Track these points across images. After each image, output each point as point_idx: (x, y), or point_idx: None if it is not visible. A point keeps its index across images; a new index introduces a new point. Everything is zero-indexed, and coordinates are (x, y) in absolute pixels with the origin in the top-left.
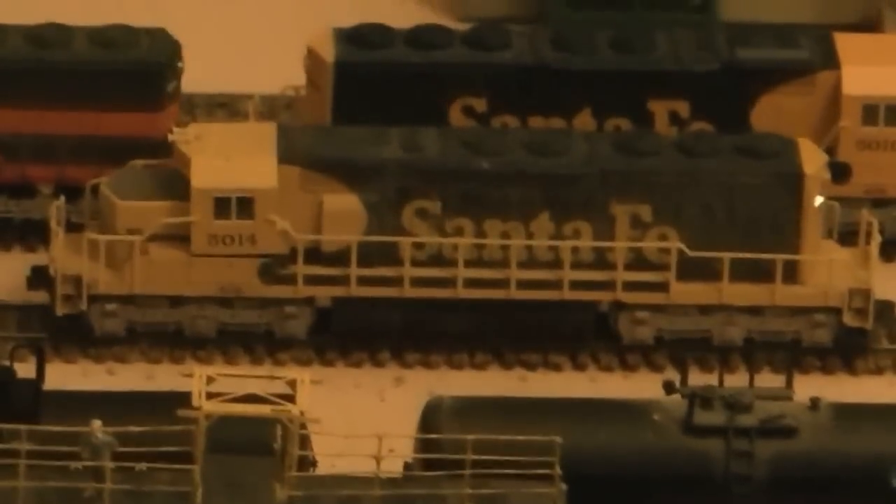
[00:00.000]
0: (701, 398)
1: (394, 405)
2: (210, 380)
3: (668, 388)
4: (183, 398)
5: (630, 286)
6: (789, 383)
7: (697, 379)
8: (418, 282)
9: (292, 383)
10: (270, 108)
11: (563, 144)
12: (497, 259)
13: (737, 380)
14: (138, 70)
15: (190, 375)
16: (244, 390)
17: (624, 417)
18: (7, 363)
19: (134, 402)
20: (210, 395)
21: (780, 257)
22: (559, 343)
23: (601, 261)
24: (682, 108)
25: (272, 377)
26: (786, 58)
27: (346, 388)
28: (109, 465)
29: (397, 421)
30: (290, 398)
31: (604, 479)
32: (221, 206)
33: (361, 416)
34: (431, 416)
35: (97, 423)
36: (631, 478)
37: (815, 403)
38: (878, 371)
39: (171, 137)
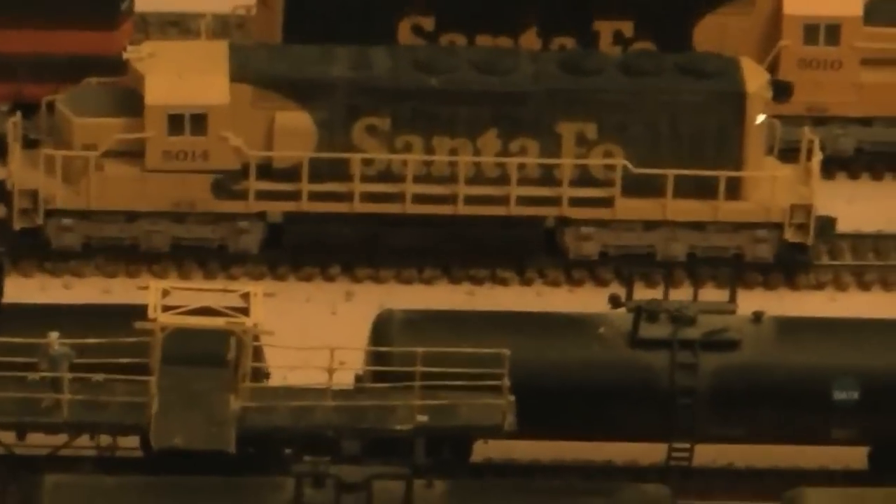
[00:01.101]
0: (646, 312)
1: (345, 319)
2: (165, 293)
3: (614, 302)
4: (139, 311)
5: (576, 202)
6: (732, 297)
7: (642, 294)
8: (368, 197)
9: (246, 296)
10: (222, 26)
11: (511, 63)
12: (445, 175)
13: (681, 294)
14: None
15: (146, 289)
16: (199, 303)
17: (571, 330)
18: None
19: (91, 314)
20: (165, 308)
21: (723, 174)
22: (506, 258)
23: (547, 177)
24: (627, 27)
25: (226, 290)
26: None
27: (298, 302)
28: (67, 375)
29: (348, 334)
30: (244, 311)
31: (551, 390)
32: (175, 122)
33: (313, 329)
34: (382, 329)
35: (54, 335)
36: (578, 389)
37: (757, 317)
38: (819, 286)
39: (125, 55)
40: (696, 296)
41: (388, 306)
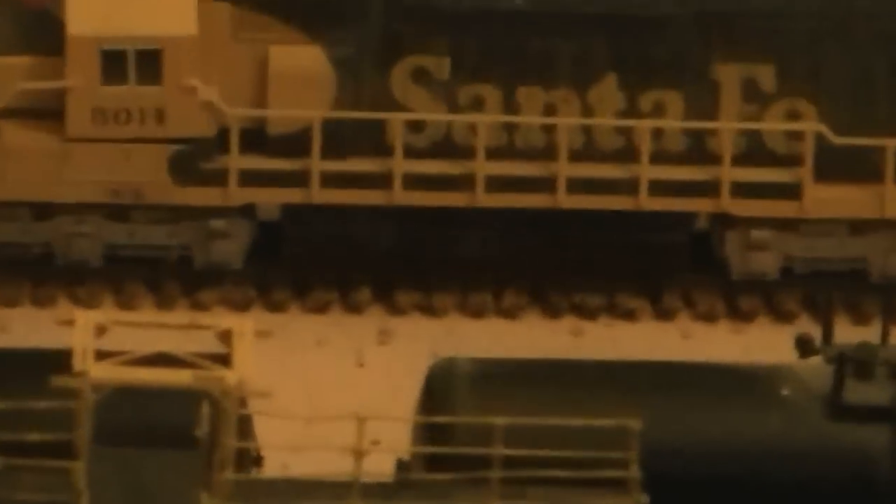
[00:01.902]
0: (855, 363)
1: (377, 371)
2: (101, 330)
3: (805, 347)
4: (58, 359)
5: (743, 191)
6: None
7: (848, 335)
8: (415, 181)
9: (226, 336)
10: None
11: None
12: (537, 147)
13: None
14: None
15: (69, 323)
16: (151, 347)
17: (737, 391)
18: None
19: None
20: (100, 355)
21: None
22: (633, 278)
23: (698, 151)
24: None
25: (196, 326)
26: None
27: (306, 345)
28: None
29: (383, 395)
30: (223, 359)
31: (706, 485)
32: (112, 63)
33: (328, 388)
34: (441, 389)
35: None
36: (748, 484)
37: None
38: None
39: None
40: None
41: (447, 352)
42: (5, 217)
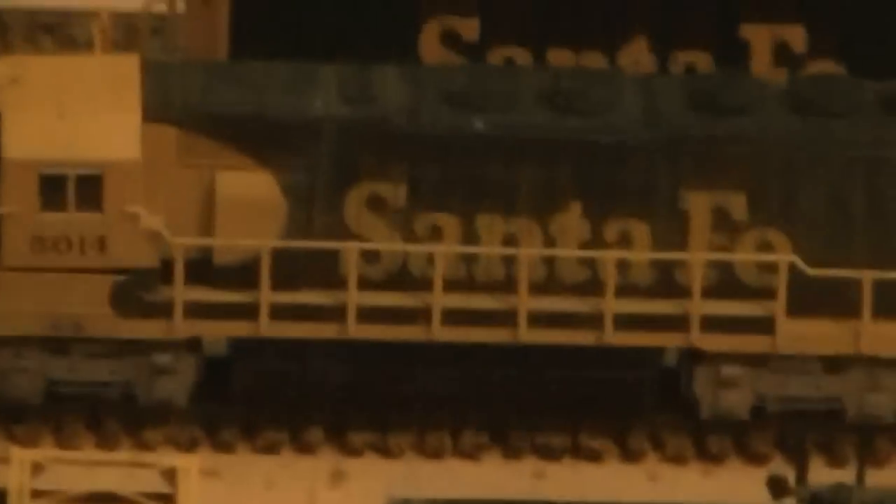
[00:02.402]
0: None
1: None
2: (37, 468)
3: (777, 487)
4: None
5: (714, 325)
6: None
7: (821, 475)
8: (370, 314)
9: (170, 475)
10: (126, 32)
11: (606, 95)
12: (497, 279)
13: (887, 476)
14: None
15: (5, 462)
16: (92, 487)
17: None
18: None
19: None
20: (36, 494)
21: None
22: (598, 417)
23: (666, 284)
24: (795, 36)
25: (140, 464)
26: None
27: (254, 488)
28: None
29: None
30: (168, 500)
31: None
32: (51, 189)
33: None
34: None
35: None
36: None
37: None
38: None
39: None
40: None
41: (403, 495)
42: None
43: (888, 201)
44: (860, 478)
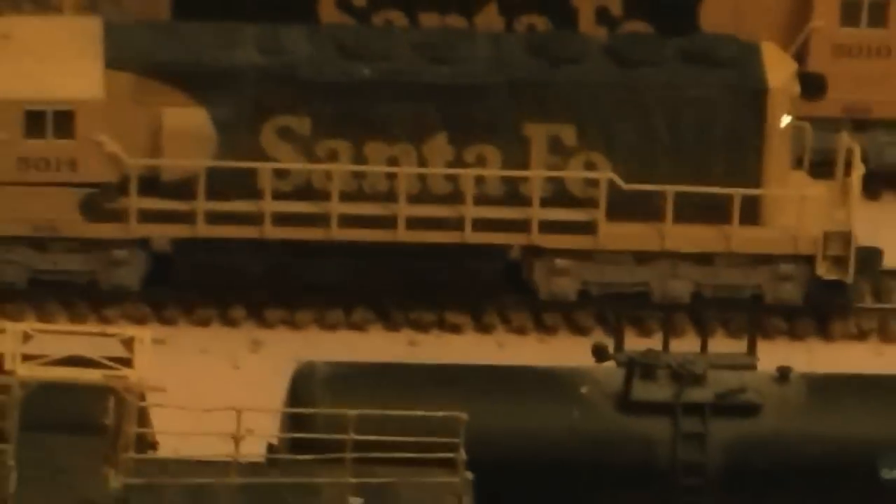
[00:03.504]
0: (641, 366)
1: (250, 374)
2: (26, 337)
3: (600, 353)
4: None
5: (548, 227)
6: (751, 349)
7: (635, 344)
8: (282, 219)
9: (128, 343)
10: None
11: (464, 48)
12: (381, 191)
13: (685, 345)
14: None
15: (1, 331)
16: (68, 351)
17: (544, 390)
18: None
19: None
20: (25, 357)
21: (738, 192)
22: (459, 298)
23: (512, 195)
24: (614, 3)
25: (104, 334)
26: None
27: (191, 353)
28: None
29: (254, 393)
30: (126, 362)
31: (519, 466)
32: (33, 121)
33: (210, 386)
34: (303, 387)
35: None
36: (553, 465)
37: (783, 374)
38: (861, 336)
39: None
40: (704, 347)
41: (307, 358)
42: None
43: (683, 130)
44: (665, 345)
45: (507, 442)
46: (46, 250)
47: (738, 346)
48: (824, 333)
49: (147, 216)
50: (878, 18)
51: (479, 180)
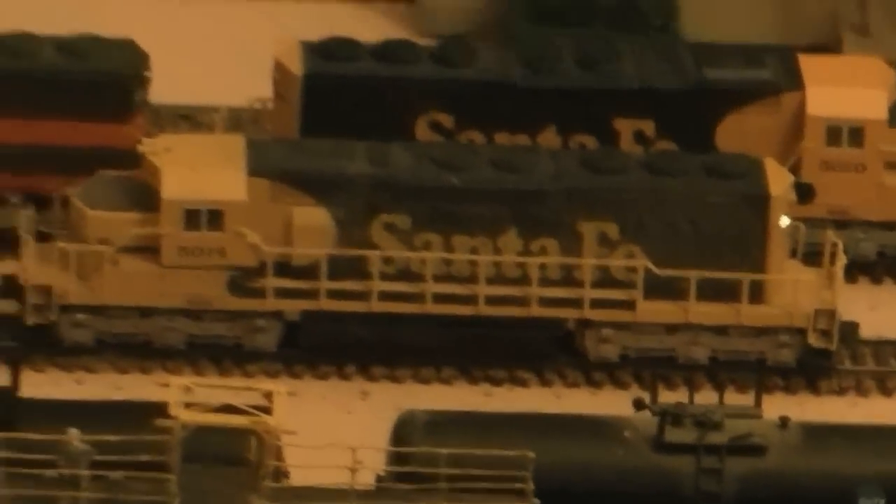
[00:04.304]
0: (671, 415)
1: (360, 419)
2: (186, 389)
3: (639, 405)
4: (157, 408)
5: (596, 304)
6: (758, 402)
7: (666, 397)
8: (386, 296)
9: (268, 395)
10: (236, 121)
11: (530, 161)
12: (465, 275)
13: (705, 398)
14: (107, 80)
15: (166, 385)
16: (218, 401)
17: (595, 433)
18: None
19: (109, 411)
20: (186, 405)
21: (746, 277)
22: (526, 359)
23: (568, 278)
24: (648, 126)
25: (248, 388)
26: (752, 78)
27: (314, 401)
28: (86, 473)
29: (363, 434)
30: (265, 410)
31: (575, 494)
32: (191, 217)
33: (328, 428)
34: (404, 430)
35: (74, 432)
36: (602, 494)
37: (784, 422)
38: (841, 392)
39: (140, 148)
40: (721, 400)
41: (405, 406)
42: (121, 316)
43: (704, 228)
44: (690, 399)
45: (565, 475)
46: (201, 319)
47: (746, 400)
48: (813, 389)
49: (280, 293)
50: (856, 140)
51: (542, 267)
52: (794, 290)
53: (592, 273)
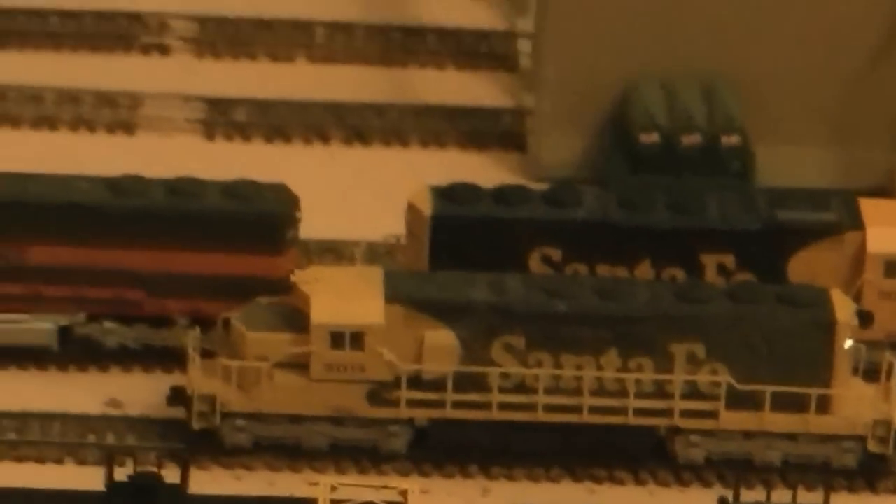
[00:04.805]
0: None
1: None
2: (332, 488)
3: (722, 502)
4: (307, 503)
5: (685, 414)
6: (826, 500)
7: (744, 496)
8: (504, 406)
9: (403, 493)
10: (372, 254)
11: (628, 291)
12: (572, 388)
13: (778, 496)
14: (263, 219)
15: (315, 484)
16: (361, 498)
17: None
18: (154, 469)
19: None
20: (333, 502)
21: (815, 391)
22: (623, 461)
23: (661, 391)
24: (729, 260)
25: (386, 486)
26: (819, 219)
27: (442, 497)
28: None
29: None
30: None
31: None
32: (336, 339)
33: None
34: None
35: None
36: None
37: None
38: None
39: (293, 278)
40: (794, 499)
41: (520, 501)
42: (275, 422)
43: (778, 349)
44: (767, 497)
45: None
46: (343, 425)
47: (816, 499)
48: (873, 490)
49: (412, 403)
50: None
51: (639, 381)
52: (856, 403)
53: (682, 387)
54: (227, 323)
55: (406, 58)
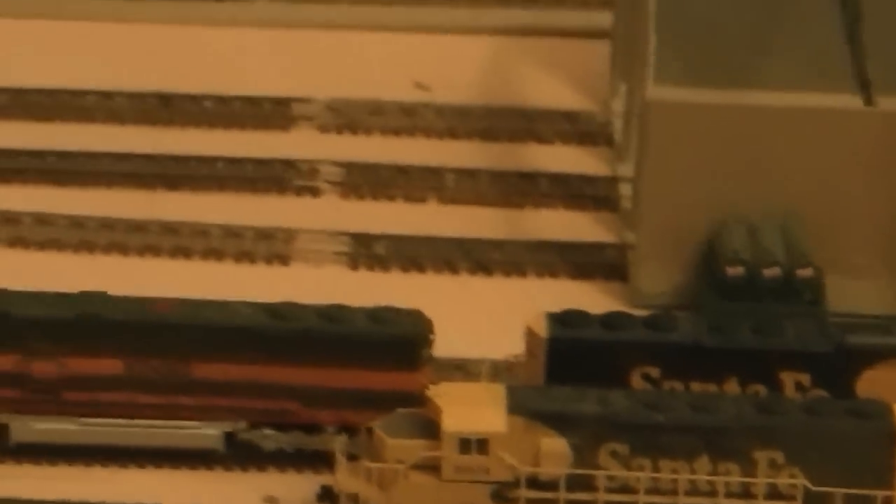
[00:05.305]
0: None
1: None
2: None
3: None
4: None
5: None
6: None
7: None
8: (611, 489)
9: None
10: (498, 371)
11: (718, 404)
12: (669, 489)
13: None
14: (401, 341)
15: None
16: None
17: None
18: None
19: None
20: None
21: (879, 493)
22: None
23: (746, 492)
24: (805, 378)
25: None
26: (883, 343)
27: None
28: None
29: None
30: None
31: None
32: (464, 445)
33: None
34: None
35: None
36: None
37: None
38: None
39: (427, 392)
40: None
41: None
42: None
43: (846, 455)
44: None
45: None
46: None
47: None
48: None
49: (530, 501)
50: None
51: (727, 484)
52: None
53: (764, 489)
54: (370, 431)
55: (523, 200)
